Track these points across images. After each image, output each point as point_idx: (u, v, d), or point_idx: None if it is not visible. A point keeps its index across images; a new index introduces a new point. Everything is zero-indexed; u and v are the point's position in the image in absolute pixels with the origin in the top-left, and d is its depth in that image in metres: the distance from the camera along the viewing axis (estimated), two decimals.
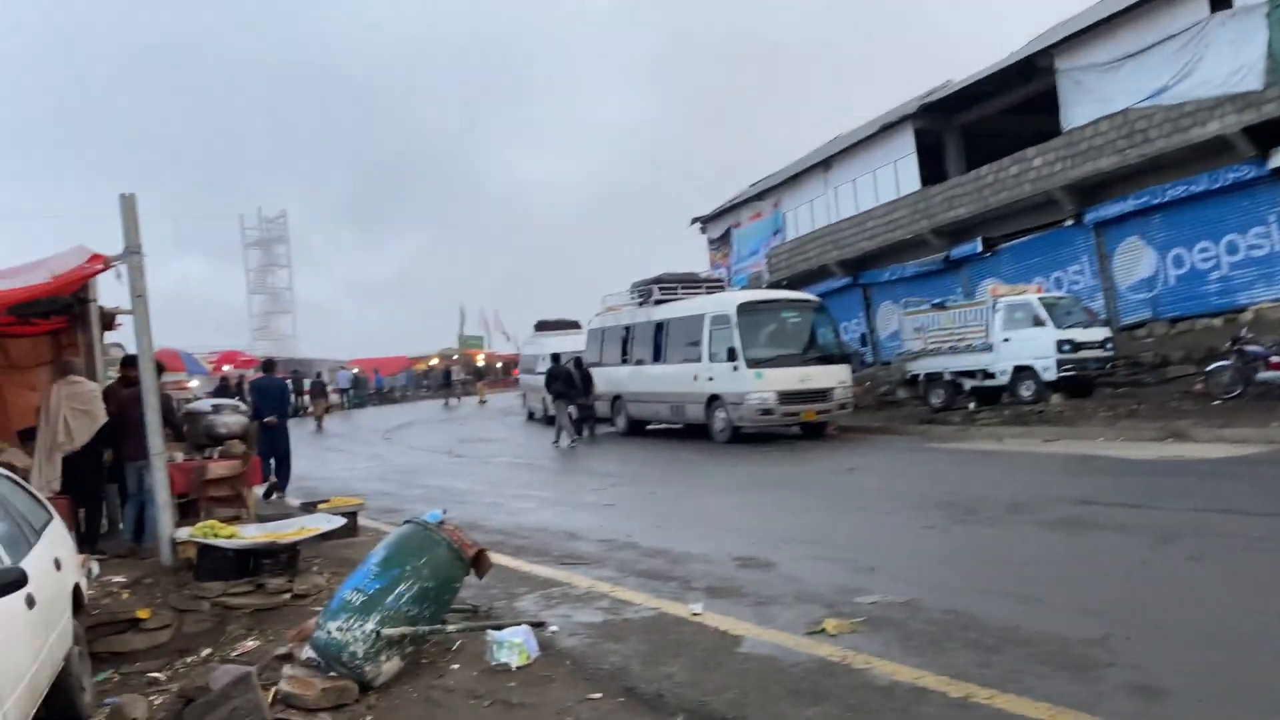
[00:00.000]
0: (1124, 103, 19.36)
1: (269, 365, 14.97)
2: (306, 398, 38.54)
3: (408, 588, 5.15)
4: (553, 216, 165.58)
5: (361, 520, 10.01)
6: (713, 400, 17.39)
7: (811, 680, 4.49)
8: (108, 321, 14.75)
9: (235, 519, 9.34)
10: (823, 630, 5.21)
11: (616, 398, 20.90)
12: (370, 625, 4.97)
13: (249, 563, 7.42)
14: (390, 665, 5.07)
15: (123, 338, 14.59)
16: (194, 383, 26.01)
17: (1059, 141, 20.80)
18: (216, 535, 7.44)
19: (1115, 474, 10.29)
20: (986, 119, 24.76)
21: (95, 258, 9.87)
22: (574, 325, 28.14)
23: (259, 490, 12.97)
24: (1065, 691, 4.14)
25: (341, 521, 7.84)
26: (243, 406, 10.22)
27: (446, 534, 5.48)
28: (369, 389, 46.59)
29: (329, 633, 5.01)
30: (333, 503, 9.34)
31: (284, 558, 7.57)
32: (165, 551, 7.61)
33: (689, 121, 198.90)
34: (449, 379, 44.67)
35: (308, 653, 5.27)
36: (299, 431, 29.97)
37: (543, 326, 29.50)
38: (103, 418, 8.89)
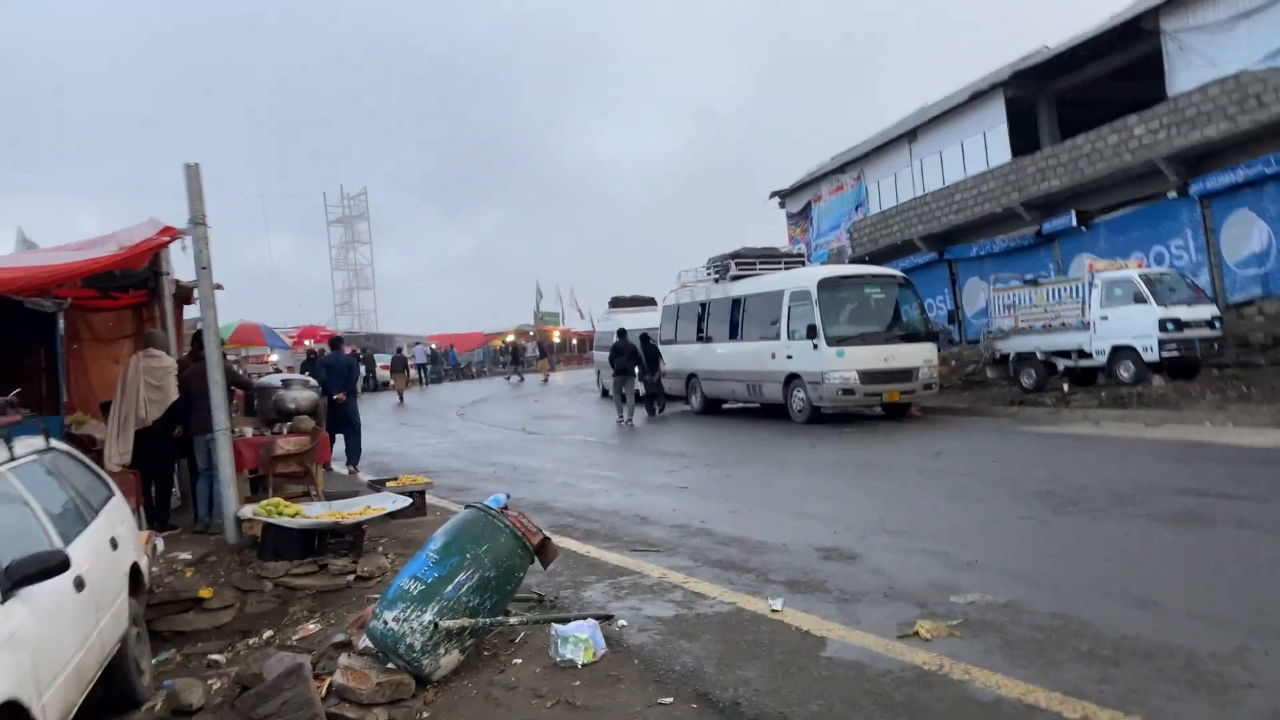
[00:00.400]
0: (1236, 65, 18.13)
1: (336, 342, 14.92)
2: (388, 372, 39.10)
3: (468, 577, 4.84)
4: (632, 193, 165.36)
5: (430, 499, 9.82)
6: (791, 379, 16.86)
7: (905, 692, 4.05)
8: (185, 295, 14.89)
9: (304, 495, 9.23)
10: (916, 633, 4.75)
11: (691, 376, 20.48)
12: (428, 616, 4.68)
13: (314, 542, 7.24)
14: (449, 659, 4.78)
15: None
16: (274, 356, 26.34)
17: (1163, 108, 19.60)
18: (280, 514, 7.27)
19: (1229, 463, 9.53)
20: (1083, 86, 23.57)
21: (165, 230, 9.83)
22: (649, 302, 27.78)
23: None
24: (1201, 716, 3.63)
25: (407, 501, 7.61)
26: (313, 382, 10.08)
27: (510, 520, 5.15)
28: (445, 365, 46.91)
29: (385, 623, 4.74)
30: (401, 481, 9.14)
31: (349, 538, 7.39)
32: (230, 529, 7.47)
33: (775, 94, 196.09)
34: (517, 356, 44.23)
35: (366, 641, 5.01)
36: (381, 405, 30.42)
37: (617, 303, 29.20)
38: (174, 394, 8.81)
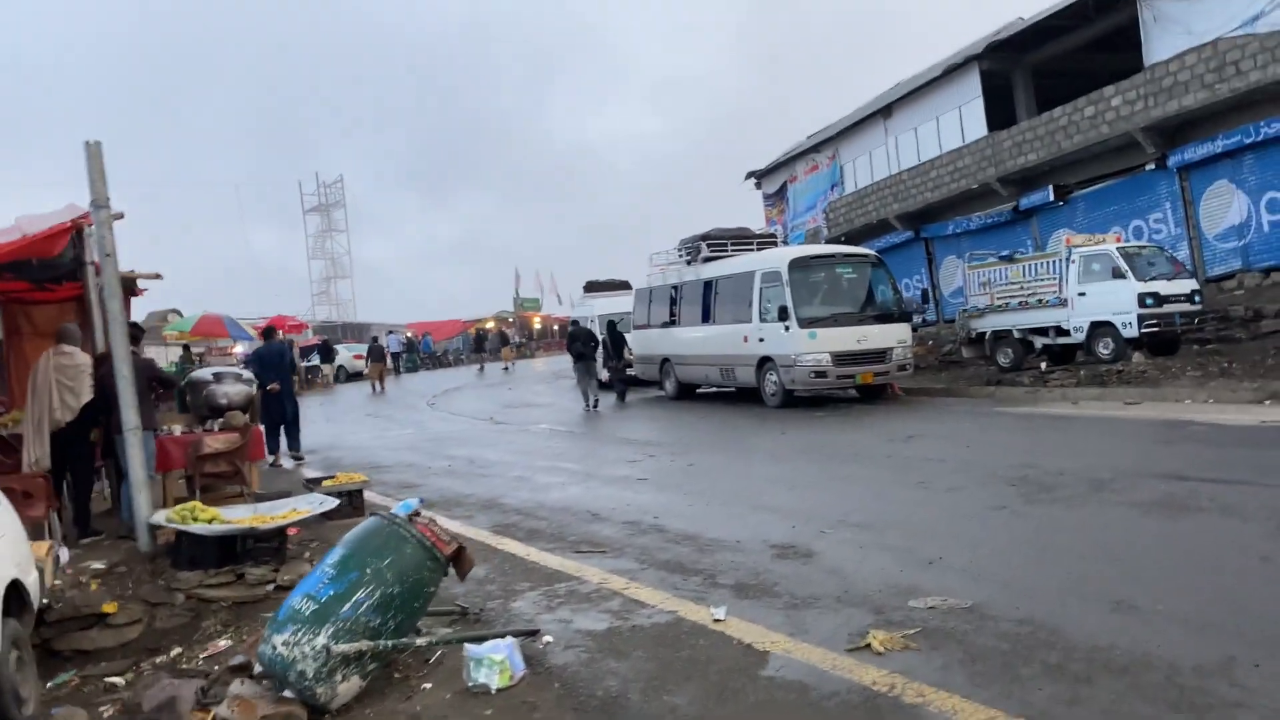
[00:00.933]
0: (1214, 33, 17.69)
1: (269, 333, 14.92)
2: (361, 361, 38.48)
3: (368, 594, 4.32)
4: (617, 177, 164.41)
5: (372, 496, 9.30)
6: (764, 362, 16.39)
7: None
8: (130, 287, 14.24)
9: (238, 496, 8.71)
10: (868, 645, 4.27)
11: (665, 360, 19.99)
12: (321, 640, 4.16)
13: (234, 549, 6.71)
14: (348, 686, 4.26)
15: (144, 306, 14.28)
16: (239, 348, 25.68)
17: (1140, 78, 19.17)
18: (196, 519, 6.74)
19: (1212, 443, 9.10)
20: (1059, 57, 23.11)
21: (82, 217, 9.24)
22: (624, 286, 27.23)
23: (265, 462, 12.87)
24: None
25: (334, 503, 7.08)
26: (246, 374, 9.52)
27: (418, 529, 4.63)
28: (420, 353, 46.26)
29: (274, 648, 4.22)
30: (337, 479, 8.61)
31: (272, 544, 6.86)
32: (142, 536, 6.92)
33: (753, 76, 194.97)
34: (482, 344, 43.22)
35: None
36: (352, 396, 29.82)
37: (592, 287, 28.64)
38: (87, 393, 8.24)
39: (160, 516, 6.74)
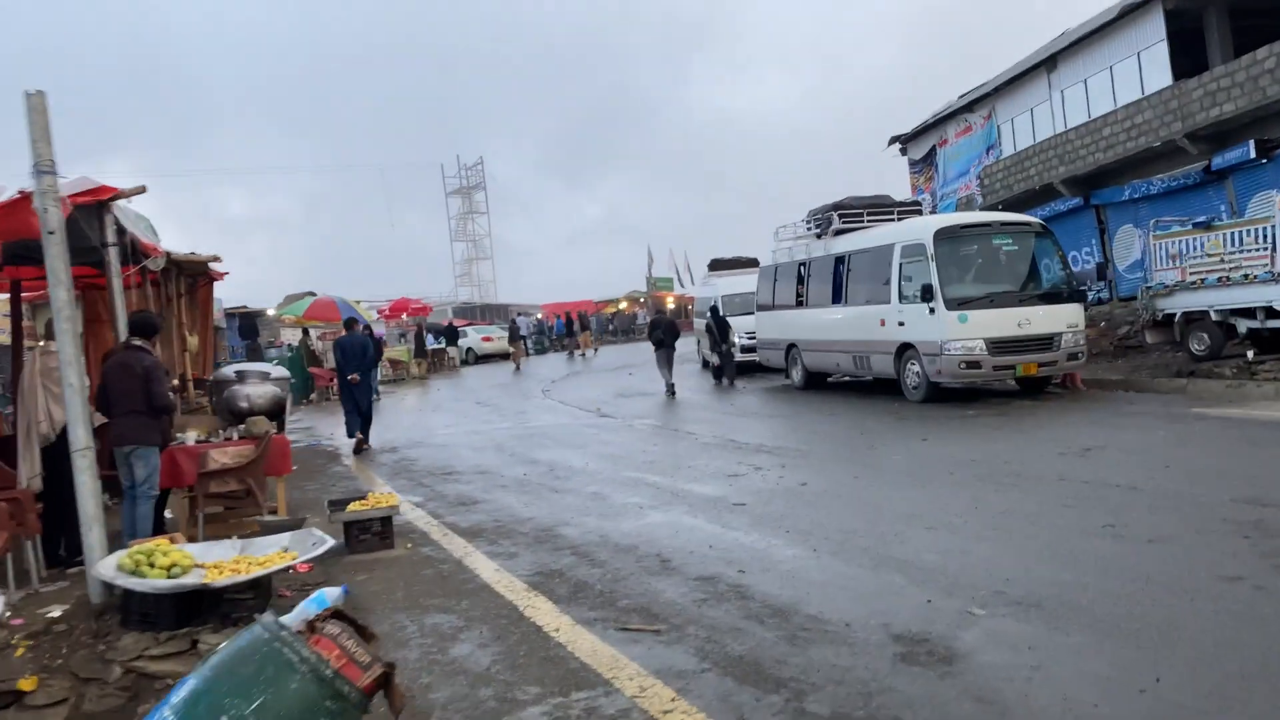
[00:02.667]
0: None
1: (350, 324, 14.91)
2: (489, 344, 37.98)
3: None
4: (751, 151, 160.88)
5: (415, 519, 7.82)
6: (904, 350, 14.20)
7: None
8: (201, 270, 13.24)
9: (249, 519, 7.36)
10: None
11: (791, 346, 17.96)
12: None
13: (200, 603, 5.29)
14: None
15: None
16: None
17: None
18: (153, 564, 5.34)
19: None
20: None
21: (95, 191, 8.13)
22: (752, 263, 25.21)
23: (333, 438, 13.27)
24: None
25: (327, 546, 5.53)
26: (274, 374, 8.14)
27: (315, 649, 2.98)
28: (550, 335, 45.37)
29: None
30: (368, 502, 7.11)
31: (248, 597, 5.41)
32: (91, 585, 5.56)
33: (900, 32, 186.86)
34: (570, 328, 40.29)
35: None
36: (477, 379, 29.00)
37: (717, 266, 26.76)
38: None
39: (111, 562, 5.36)
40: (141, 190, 8.58)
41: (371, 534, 6.85)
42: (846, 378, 17.08)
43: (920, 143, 31.51)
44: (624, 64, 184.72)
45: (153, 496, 7.02)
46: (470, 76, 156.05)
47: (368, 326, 31.25)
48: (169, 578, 5.29)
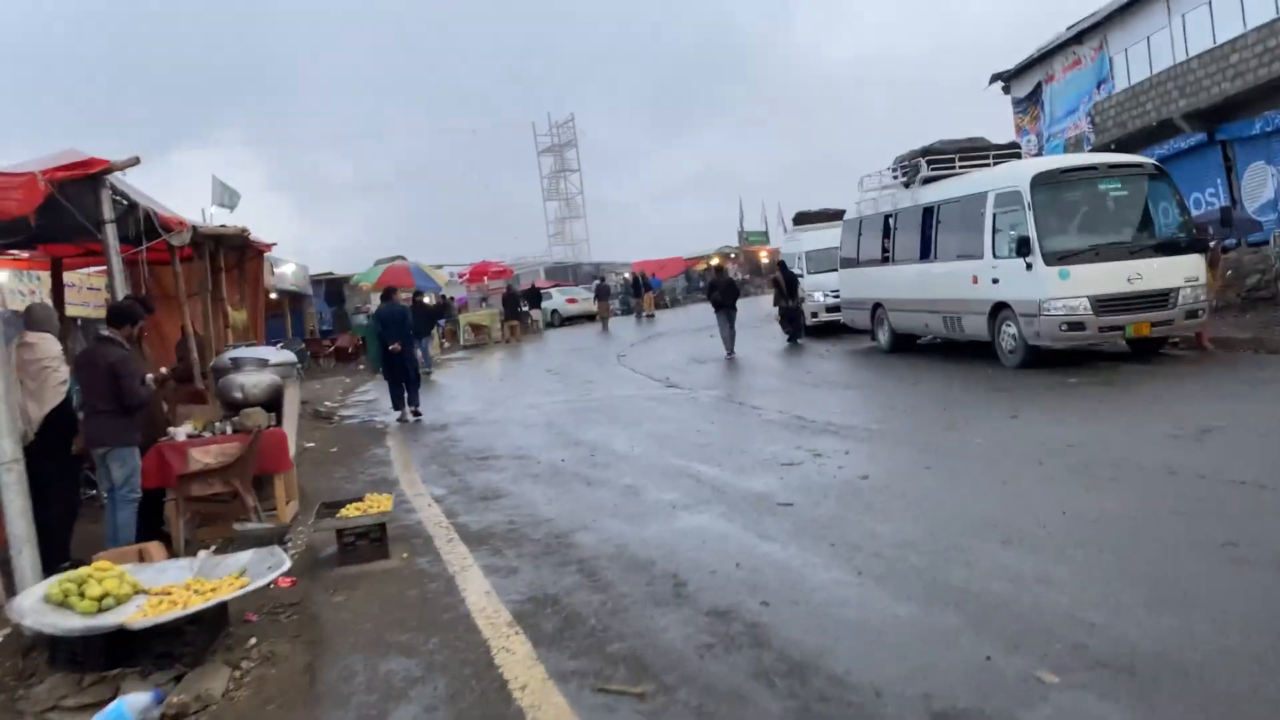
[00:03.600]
0: None
1: (389, 293, 14.66)
2: (573, 305, 37.38)
3: None
4: (851, 98, 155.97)
5: (429, 516, 7.08)
6: (999, 309, 12.85)
7: None
8: (242, 244, 12.75)
9: (238, 522, 6.71)
10: None
11: (877, 306, 16.67)
12: None
13: (138, 641, 4.60)
14: None
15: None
16: (427, 299, 24.59)
17: None
18: (82, 595, 4.68)
19: None
20: None
21: (88, 163, 7.57)
22: (840, 215, 23.79)
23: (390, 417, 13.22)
24: None
25: (282, 569, 4.77)
26: (279, 357, 7.43)
27: None
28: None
29: None
30: (362, 506, 6.36)
31: (191, 632, 4.70)
32: (23, 619, 4.94)
33: None
34: (638, 288, 38.30)
35: None
36: (557, 343, 28.44)
37: (802, 219, 25.34)
38: (52, 398, 6.43)
39: (37, 592, 4.72)
40: (135, 162, 7.93)
41: (365, 542, 6.11)
42: (937, 339, 15.74)
43: (1024, 80, 29.27)
44: (718, 11, 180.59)
45: (133, 500, 6.42)
46: (561, 31, 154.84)
47: (442, 294, 31.10)
48: (98, 610, 4.63)
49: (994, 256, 12.88)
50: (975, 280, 13.32)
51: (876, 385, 12.88)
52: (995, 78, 30.18)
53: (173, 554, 6.45)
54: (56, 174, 6.90)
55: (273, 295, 25.44)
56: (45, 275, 13.63)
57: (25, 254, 11.32)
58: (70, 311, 14.85)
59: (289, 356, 7.70)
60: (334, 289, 33.26)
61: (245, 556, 5.16)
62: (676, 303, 45.75)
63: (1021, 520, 5.63)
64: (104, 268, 10.81)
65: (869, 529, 5.78)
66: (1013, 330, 12.60)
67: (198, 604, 4.49)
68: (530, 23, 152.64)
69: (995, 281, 12.86)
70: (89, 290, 17.64)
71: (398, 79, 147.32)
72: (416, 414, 13.61)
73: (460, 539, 6.51)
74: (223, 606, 4.82)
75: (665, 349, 22.15)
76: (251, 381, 7.11)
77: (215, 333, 12.05)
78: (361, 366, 23.71)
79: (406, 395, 13.62)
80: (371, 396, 17.56)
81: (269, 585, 4.80)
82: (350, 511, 6.24)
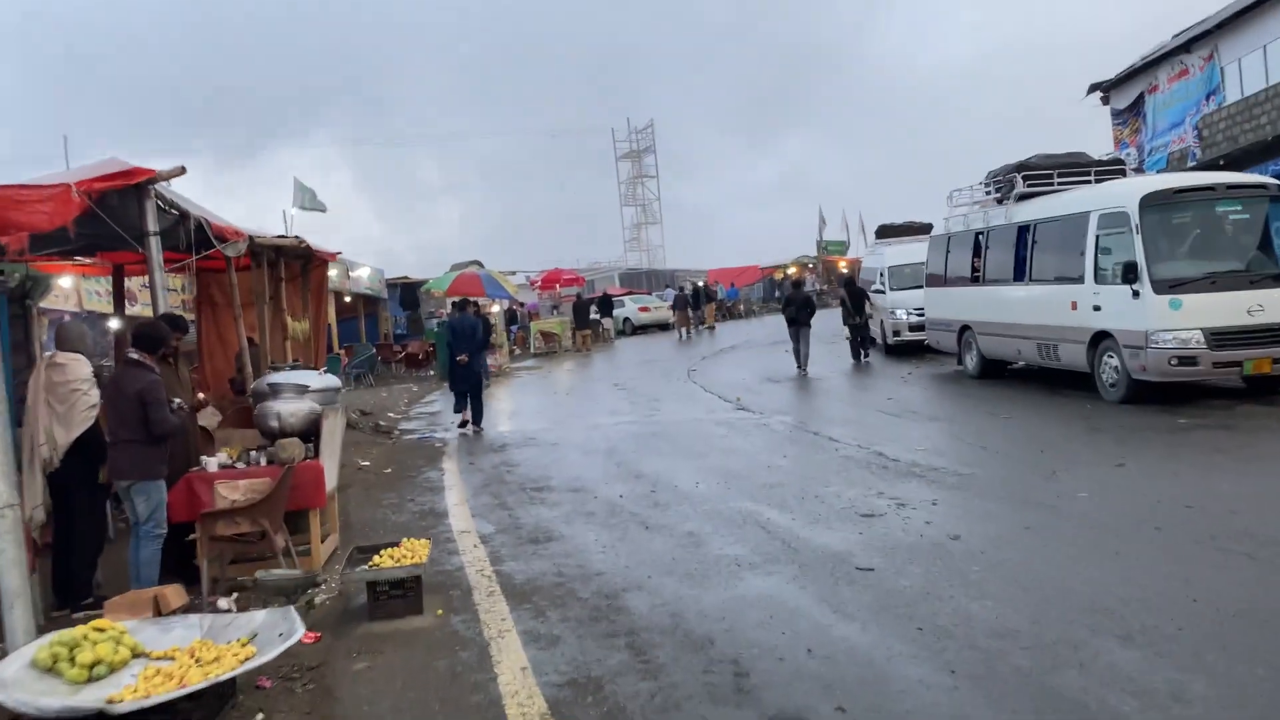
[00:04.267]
0: None
1: (463, 304, 14.92)
2: (647, 314, 36.81)
3: None
4: (939, 108, 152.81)
5: (472, 560, 6.53)
6: (1100, 339, 11.88)
7: None
8: (305, 255, 12.46)
9: (267, 562, 6.23)
10: None
11: (965, 328, 15.72)
12: None
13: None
14: None
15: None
16: (495, 307, 24.26)
17: None
18: (74, 660, 4.21)
19: None
20: None
21: (131, 172, 7.23)
22: (925, 229, 22.78)
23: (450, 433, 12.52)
24: None
25: (289, 642, 4.25)
26: (314, 386, 6.95)
27: None
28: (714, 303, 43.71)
29: None
30: (397, 552, 5.82)
31: (189, 709, 4.19)
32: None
33: None
34: (697, 299, 36.58)
35: None
36: (629, 352, 27.95)
37: (886, 232, 24.43)
38: (81, 423, 6.04)
39: (26, 655, 4.26)
40: (180, 171, 7.57)
41: (398, 595, 5.57)
42: (1029, 366, 14.75)
43: (1126, 90, 27.80)
44: (803, 16, 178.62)
45: (158, 536, 6.00)
46: (644, 35, 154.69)
47: (515, 302, 30.83)
48: (89, 679, 4.16)
49: (1096, 282, 11.93)
50: (1074, 306, 12.37)
51: (964, 418, 11.98)
52: (1094, 88, 28.74)
53: (197, 595, 6.02)
54: (95, 185, 6.56)
55: (347, 299, 25.43)
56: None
57: (88, 259, 11.15)
58: (142, 313, 14.77)
59: (332, 382, 7.22)
60: (409, 293, 33.25)
61: (258, 619, 4.65)
62: (752, 313, 44.85)
63: (1143, 608, 4.82)
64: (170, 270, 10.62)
65: (963, 609, 5.03)
66: (1115, 362, 11.63)
67: (196, 681, 3.98)
68: (613, 29, 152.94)
69: (1097, 309, 11.89)
70: (166, 292, 17.69)
71: (483, 83, 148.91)
72: (478, 429, 13.58)
73: (502, 592, 5.93)
74: (229, 683, 4.31)
75: (737, 364, 21.42)
76: (289, 410, 6.64)
77: (274, 344, 11.75)
78: (432, 373, 23.48)
79: (470, 408, 13.76)
80: (436, 408, 17.21)
81: (275, 657, 4.26)
82: (383, 560, 5.71)
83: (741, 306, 46.43)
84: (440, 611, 5.63)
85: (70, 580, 6.19)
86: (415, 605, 5.58)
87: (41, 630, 5.60)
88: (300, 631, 4.37)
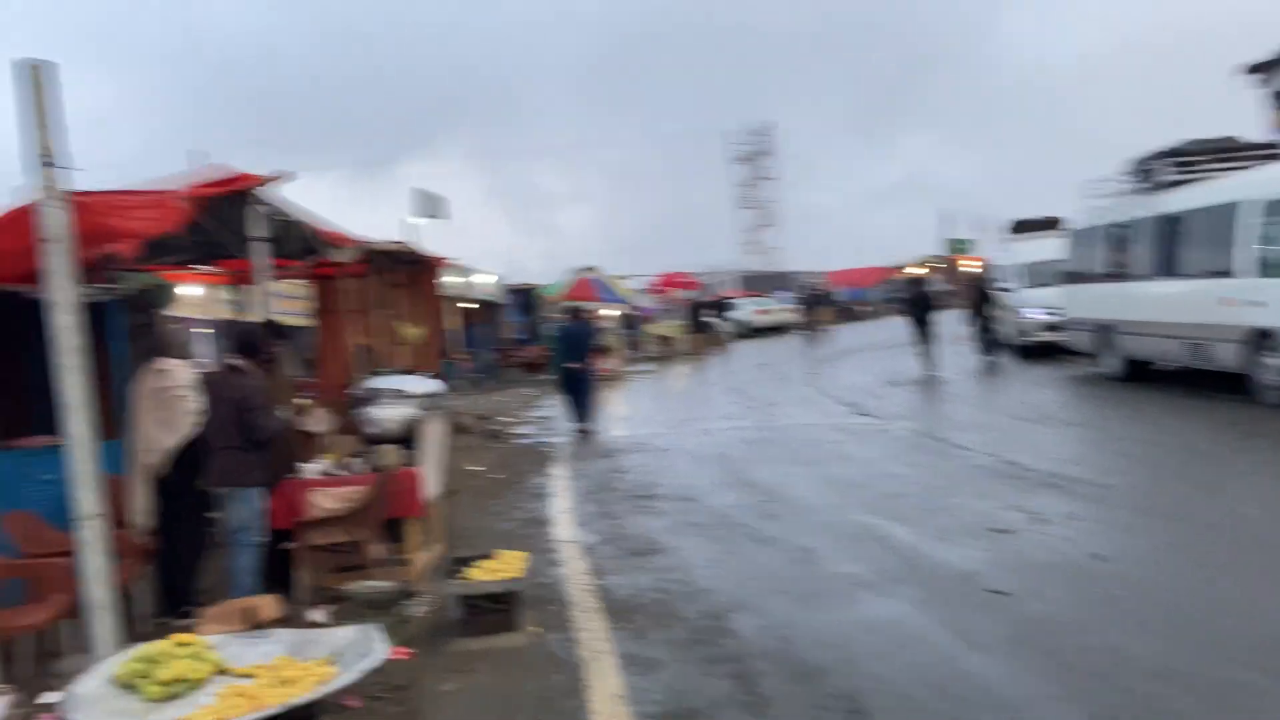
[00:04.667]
0: None
1: (575, 311, 15.16)
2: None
3: None
4: (1071, 100, 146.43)
5: (574, 571, 6.27)
6: (1262, 339, 10.83)
7: None
8: (412, 259, 12.49)
9: (364, 572, 6.07)
10: None
11: (1106, 327, 14.68)
12: None
13: None
14: None
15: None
16: (609, 312, 24.12)
17: None
18: (154, 676, 4.08)
19: None
20: None
21: (237, 179, 7.26)
22: (1056, 225, 21.56)
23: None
24: None
25: (369, 664, 4.02)
26: (414, 391, 6.78)
27: None
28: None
29: None
30: (496, 564, 5.57)
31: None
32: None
33: None
34: (816, 301, 35.18)
35: None
36: (748, 355, 27.53)
37: (1022, 228, 23.17)
38: (185, 428, 6.01)
39: (105, 671, 4.15)
40: (286, 177, 7.56)
41: (491, 610, 5.32)
42: (1177, 367, 13.66)
43: None
44: (927, 11, 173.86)
45: (254, 544, 5.93)
46: (762, 32, 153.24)
47: (630, 306, 30.71)
48: (166, 697, 4.02)
49: (1254, 275, 10.89)
50: (1227, 302, 11.34)
51: (1105, 424, 11.14)
52: (1253, 69, 26.70)
53: (296, 605, 5.91)
54: (200, 192, 6.56)
55: (468, 304, 25.76)
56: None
57: (211, 268, 11.40)
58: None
59: (433, 387, 7.06)
60: (527, 299, 33.56)
61: (343, 636, 4.45)
62: (873, 314, 43.64)
63: None
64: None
65: (1111, 643, 4.44)
66: (1277, 363, 10.58)
67: (271, 706, 3.78)
68: (727, 32, 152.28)
69: (1256, 304, 10.86)
70: (287, 300, 18.13)
71: (602, 89, 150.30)
72: (588, 434, 13.47)
73: (601, 609, 5.62)
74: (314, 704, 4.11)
75: (858, 368, 20.67)
76: (387, 415, 6.50)
77: (386, 349, 11.80)
78: (547, 378, 23.55)
79: (581, 412, 13.70)
80: (549, 412, 17.12)
81: (356, 679, 4.03)
82: (477, 573, 5.46)
83: (863, 308, 45.23)
84: (536, 628, 5.35)
85: (174, 586, 6.17)
86: (510, 621, 5.31)
87: (145, 638, 5.59)
88: (381, 654, 4.13)
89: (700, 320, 31.61)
